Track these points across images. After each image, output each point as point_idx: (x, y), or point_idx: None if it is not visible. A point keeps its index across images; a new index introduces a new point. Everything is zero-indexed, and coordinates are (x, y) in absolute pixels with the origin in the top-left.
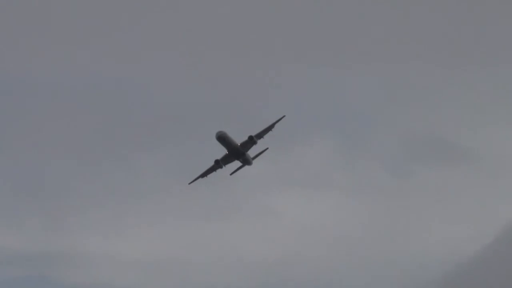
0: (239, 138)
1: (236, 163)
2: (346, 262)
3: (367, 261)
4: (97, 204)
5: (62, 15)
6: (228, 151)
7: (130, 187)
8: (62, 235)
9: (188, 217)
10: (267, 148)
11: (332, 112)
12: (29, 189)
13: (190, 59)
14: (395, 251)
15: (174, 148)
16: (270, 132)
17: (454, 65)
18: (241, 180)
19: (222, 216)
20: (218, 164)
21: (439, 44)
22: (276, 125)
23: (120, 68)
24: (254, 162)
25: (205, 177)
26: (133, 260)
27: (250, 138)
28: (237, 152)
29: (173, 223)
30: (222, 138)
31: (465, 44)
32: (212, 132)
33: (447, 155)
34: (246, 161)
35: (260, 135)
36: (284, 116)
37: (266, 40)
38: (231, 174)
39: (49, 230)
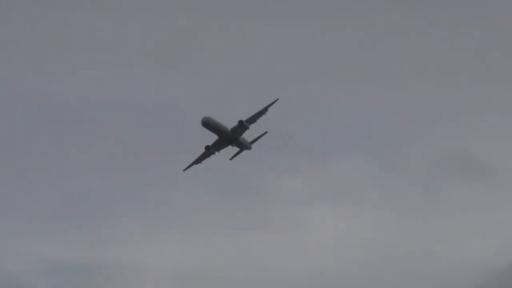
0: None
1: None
2: (376, 275)
3: (397, 274)
4: (137, 217)
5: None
6: (218, 137)
7: (169, 201)
8: (103, 246)
9: (222, 231)
10: (266, 132)
11: (365, 131)
12: (74, 203)
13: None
14: (425, 265)
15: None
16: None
17: (482, 85)
18: (276, 194)
19: (257, 229)
20: (209, 150)
21: (468, 63)
22: (316, 139)
23: (152, 89)
24: (254, 146)
25: (200, 163)
26: (168, 271)
27: (240, 122)
28: (228, 137)
29: (207, 236)
30: (207, 124)
31: (492, 64)
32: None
33: (476, 173)
34: (243, 146)
35: (252, 119)
36: (277, 99)
37: (300, 60)
38: (231, 159)
39: (92, 241)
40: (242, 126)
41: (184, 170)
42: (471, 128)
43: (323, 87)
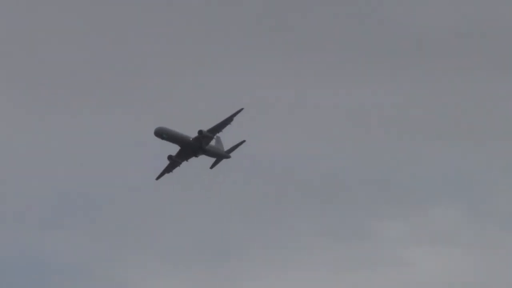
0: None
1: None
2: None
3: None
4: (256, 257)
5: None
6: (180, 147)
7: (282, 244)
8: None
9: (326, 269)
10: (244, 141)
11: (458, 178)
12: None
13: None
14: None
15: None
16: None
17: None
18: (378, 237)
19: (359, 268)
20: (172, 159)
21: None
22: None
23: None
24: (233, 154)
25: (171, 172)
26: None
27: (200, 132)
28: (191, 147)
29: (317, 276)
30: (159, 134)
31: None
32: (347, 201)
33: None
34: (216, 155)
35: (216, 129)
36: (242, 109)
37: (402, 119)
38: (211, 168)
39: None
40: (204, 135)
41: (156, 179)
42: None
43: (428, 145)
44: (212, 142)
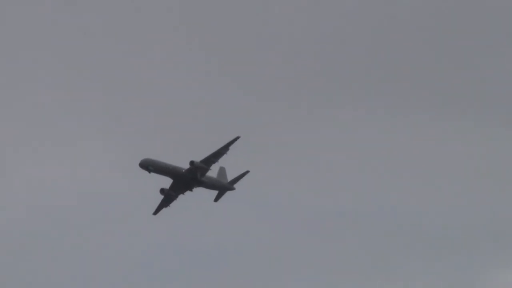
0: None
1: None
2: None
3: None
4: None
5: None
6: (173, 179)
7: None
8: None
9: None
10: (247, 171)
11: None
12: None
13: None
14: None
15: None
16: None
17: None
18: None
19: None
20: (164, 193)
21: None
22: None
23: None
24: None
25: (168, 206)
26: None
27: (191, 163)
28: (184, 179)
29: None
30: (144, 166)
31: None
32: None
33: None
34: (217, 188)
35: (210, 159)
36: (238, 137)
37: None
38: (215, 201)
39: None
40: (197, 166)
41: (154, 214)
42: None
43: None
44: (214, 174)
